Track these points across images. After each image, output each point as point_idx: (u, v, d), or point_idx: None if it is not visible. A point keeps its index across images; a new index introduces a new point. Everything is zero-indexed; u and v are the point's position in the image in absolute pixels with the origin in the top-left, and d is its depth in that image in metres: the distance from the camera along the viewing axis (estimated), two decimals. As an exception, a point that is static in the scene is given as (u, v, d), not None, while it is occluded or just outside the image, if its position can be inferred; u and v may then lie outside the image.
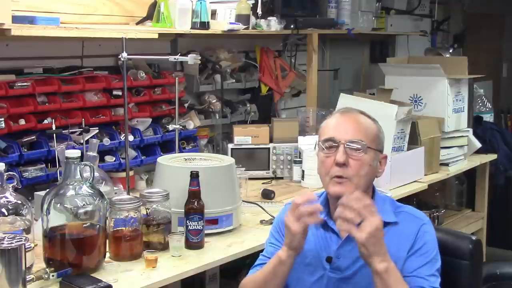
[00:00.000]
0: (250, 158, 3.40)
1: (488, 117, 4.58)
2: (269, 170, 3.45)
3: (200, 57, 2.95)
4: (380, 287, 1.72)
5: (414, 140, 3.42)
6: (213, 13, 3.21)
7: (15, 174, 2.23)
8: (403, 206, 1.95)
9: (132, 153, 2.99)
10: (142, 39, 2.82)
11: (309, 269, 1.92)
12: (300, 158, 3.34)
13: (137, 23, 3.02)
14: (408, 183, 3.35)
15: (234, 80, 3.65)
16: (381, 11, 4.53)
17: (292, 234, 1.78)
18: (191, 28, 3.00)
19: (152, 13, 2.98)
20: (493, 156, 4.20)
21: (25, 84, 2.61)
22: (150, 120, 3.12)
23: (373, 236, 1.68)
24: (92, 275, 2.00)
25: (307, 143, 3.29)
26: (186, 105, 3.32)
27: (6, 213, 2.03)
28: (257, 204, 2.85)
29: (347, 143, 1.84)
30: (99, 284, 1.92)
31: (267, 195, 3.04)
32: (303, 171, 3.25)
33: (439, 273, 1.84)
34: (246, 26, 3.24)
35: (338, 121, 1.91)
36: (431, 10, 5.22)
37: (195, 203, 2.30)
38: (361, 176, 1.84)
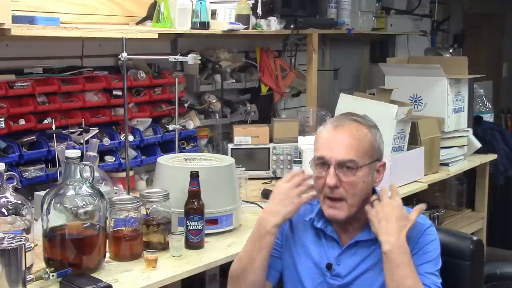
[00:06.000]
0: (250, 158, 3.40)
1: (488, 117, 4.58)
2: (269, 170, 3.44)
3: (200, 57, 2.94)
4: (386, 267, 1.76)
5: (414, 140, 3.42)
6: (213, 13, 3.21)
7: (15, 174, 2.22)
8: None
9: (132, 153, 2.99)
10: (142, 39, 2.82)
11: (309, 275, 1.91)
12: (300, 158, 3.33)
13: (137, 23, 3.02)
14: (408, 183, 3.35)
15: (234, 80, 3.65)
16: (381, 11, 4.52)
17: (296, 205, 1.86)
18: (191, 28, 3.00)
19: (152, 13, 2.98)
20: (493, 156, 4.19)
21: (25, 84, 2.61)
22: (150, 120, 3.11)
23: (381, 211, 1.79)
24: (92, 275, 2.00)
25: (307, 143, 3.28)
26: (186, 105, 3.32)
27: (6, 213, 2.03)
28: (257, 204, 2.85)
29: (338, 164, 1.81)
30: (99, 284, 1.92)
31: (267, 195, 3.04)
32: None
33: (439, 274, 1.83)
34: (246, 26, 3.24)
35: (330, 136, 1.85)
36: (431, 10, 5.20)
37: (195, 203, 2.30)
38: (354, 195, 1.82)
